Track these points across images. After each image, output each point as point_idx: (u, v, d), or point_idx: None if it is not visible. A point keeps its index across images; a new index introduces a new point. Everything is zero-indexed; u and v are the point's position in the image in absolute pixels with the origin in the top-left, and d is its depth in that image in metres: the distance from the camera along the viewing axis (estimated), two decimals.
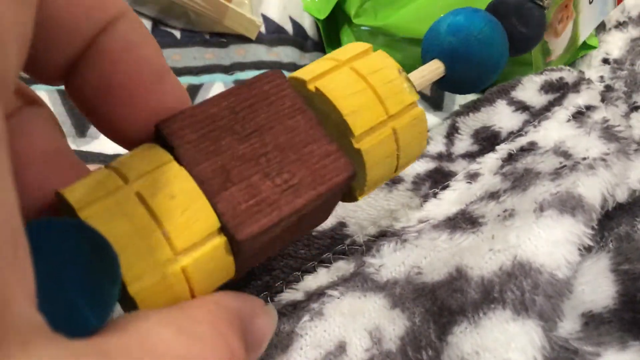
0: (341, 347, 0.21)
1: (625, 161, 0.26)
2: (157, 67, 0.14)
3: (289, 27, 0.41)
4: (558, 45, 0.34)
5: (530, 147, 0.28)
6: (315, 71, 0.16)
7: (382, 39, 0.37)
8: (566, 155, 0.26)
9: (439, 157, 0.28)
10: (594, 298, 0.21)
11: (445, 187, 0.27)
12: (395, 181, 0.27)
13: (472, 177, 0.27)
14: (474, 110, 0.29)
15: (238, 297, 0.15)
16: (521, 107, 0.29)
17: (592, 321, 0.21)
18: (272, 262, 0.23)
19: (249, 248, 0.14)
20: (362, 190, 0.17)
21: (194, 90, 0.35)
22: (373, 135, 0.16)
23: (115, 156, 0.31)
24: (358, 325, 0.21)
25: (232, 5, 0.37)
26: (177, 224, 0.13)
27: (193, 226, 0.13)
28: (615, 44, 0.38)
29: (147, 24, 0.38)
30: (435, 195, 0.27)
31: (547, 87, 0.30)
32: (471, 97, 0.32)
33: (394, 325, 0.21)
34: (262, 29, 0.40)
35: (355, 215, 0.25)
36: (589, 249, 0.23)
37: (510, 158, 0.27)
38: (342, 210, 0.25)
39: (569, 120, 0.28)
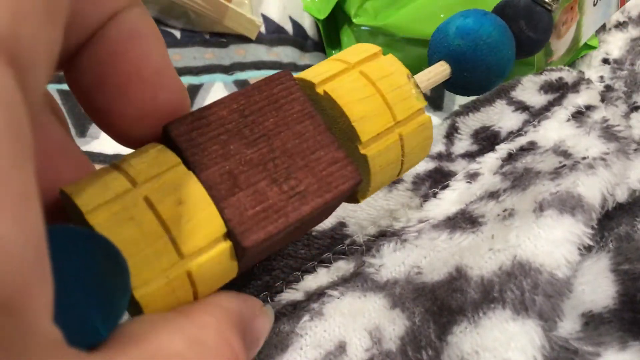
0: (341, 347, 0.21)
1: (625, 161, 0.26)
2: (158, 62, 0.14)
3: (289, 27, 0.41)
4: (560, 46, 0.34)
5: (530, 147, 0.28)
6: (324, 74, 0.16)
7: (382, 39, 0.37)
8: (566, 154, 0.26)
9: (439, 157, 0.28)
10: (594, 298, 0.21)
11: (445, 187, 0.27)
12: (395, 181, 0.27)
13: (472, 176, 0.27)
14: (473, 110, 0.29)
15: (239, 298, 0.15)
16: (521, 107, 0.29)
17: (592, 321, 0.21)
18: (272, 262, 0.23)
19: (254, 252, 0.14)
20: (365, 194, 0.17)
21: (194, 90, 0.35)
22: (380, 142, 0.16)
23: (116, 156, 0.31)
24: (358, 325, 0.21)
25: (232, 5, 0.37)
26: (184, 230, 0.13)
27: (200, 232, 0.13)
28: (615, 44, 0.38)
29: None
30: (435, 195, 0.27)
31: (547, 87, 0.30)
32: (471, 97, 0.32)
33: (394, 325, 0.21)
34: (262, 29, 0.40)
35: (355, 215, 0.25)
36: (589, 249, 0.23)
37: (510, 158, 0.27)
38: (342, 210, 0.25)
39: (568, 120, 0.28)
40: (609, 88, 0.34)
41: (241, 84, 0.36)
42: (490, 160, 0.28)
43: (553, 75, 0.30)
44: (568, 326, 0.21)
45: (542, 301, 0.20)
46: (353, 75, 0.16)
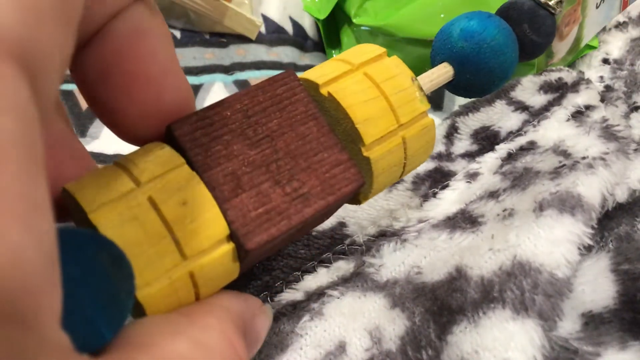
0: (341, 347, 0.21)
1: (625, 160, 0.26)
2: (164, 61, 0.13)
3: (289, 27, 0.41)
4: (562, 47, 0.34)
5: (530, 147, 0.28)
6: (328, 74, 0.16)
7: (382, 39, 0.37)
8: (565, 154, 0.26)
9: (439, 156, 0.28)
10: (594, 298, 0.21)
11: (444, 187, 0.27)
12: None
13: (472, 176, 0.27)
14: (473, 110, 0.29)
15: (239, 298, 0.15)
16: (520, 107, 0.29)
17: (592, 321, 0.21)
18: (272, 262, 0.23)
19: (256, 254, 0.14)
20: (367, 196, 0.17)
21: (193, 90, 0.35)
22: (383, 144, 0.16)
23: (116, 156, 0.31)
24: (358, 325, 0.21)
25: (232, 5, 0.37)
26: (187, 231, 0.13)
27: (203, 233, 0.13)
28: (615, 44, 0.38)
29: None
30: (434, 194, 0.27)
31: (546, 87, 0.30)
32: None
33: (394, 325, 0.21)
34: (262, 29, 0.40)
35: (355, 215, 0.25)
36: (589, 249, 0.23)
37: (510, 157, 0.28)
38: (342, 210, 0.25)
39: (568, 120, 0.28)
40: (608, 88, 0.34)
41: (241, 84, 0.36)
42: (490, 160, 0.28)
43: (552, 76, 0.30)
44: (568, 326, 0.21)
45: (542, 301, 0.20)
46: (357, 76, 0.16)
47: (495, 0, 0.32)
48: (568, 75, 0.30)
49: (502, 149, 0.28)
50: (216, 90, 0.35)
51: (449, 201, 0.26)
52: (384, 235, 0.25)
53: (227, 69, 0.37)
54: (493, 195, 0.25)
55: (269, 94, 0.15)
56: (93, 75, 0.13)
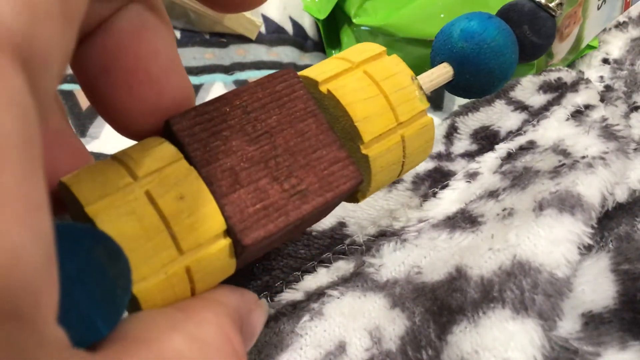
0: (341, 347, 0.21)
1: (625, 160, 0.26)
2: (165, 57, 0.13)
3: (289, 27, 0.41)
4: (562, 48, 0.34)
5: (530, 146, 0.28)
6: (328, 72, 0.16)
7: (382, 39, 0.37)
8: (565, 153, 0.26)
9: (439, 156, 0.28)
10: (594, 298, 0.21)
11: (444, 187, 0.27)
12: (394, 181, 0.27)
13: (472, 176, 0.27)
14: (473, 110, 0.30)
15: (235, 293, 0.15)
16: (520, 106, 0.29)
17: (592, 321, 0.21)
18: (272, 262, 0.23)
19: (253, 250, 0.14)
20: (365, 194, 0.17)
21: (194, 90, 0.35)
22: (382, 142, 0.16)
23: None
24: (358, 325, 0.21)
25: None
26: (184, 226, 0.13)
27: (200, 228, 0.13)
28: (615, 44, 0.38)
29: None
30: (434, 194, 0.27)
31: (546, 87, 0.30)
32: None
33: (394, 325, 0.21)
34: (262, 29, 0.40)
35: (355, 215, 0.25)
36: (588, 249, 0.23)
37: (510, 157, 0.28)
38: (342, 210, 0.25)
39: (567, 119, 0.28)
40: (608, 88, 0.34)
41: (241, 84, 0.36)
42: (490, 160, 0.28)
43: (552, 76, 0.30)
44: (568, 326, 0.21)
45: (542, 301, 0.20)
46: (357, 74, 0.16)
47: (495, 1, 0.32)
48: (567, 75, 0.30)
49: (502, 149, 0.28)
50: (216, 90, 0.35)
51: (448, 201, 0.26)
52: (384, 235, 0.25)
53: (227, 69, 0.37)
54: (493, 194, 0.25)
55: (268, 90, 0.15)
56: (94, 70, 0.13)
